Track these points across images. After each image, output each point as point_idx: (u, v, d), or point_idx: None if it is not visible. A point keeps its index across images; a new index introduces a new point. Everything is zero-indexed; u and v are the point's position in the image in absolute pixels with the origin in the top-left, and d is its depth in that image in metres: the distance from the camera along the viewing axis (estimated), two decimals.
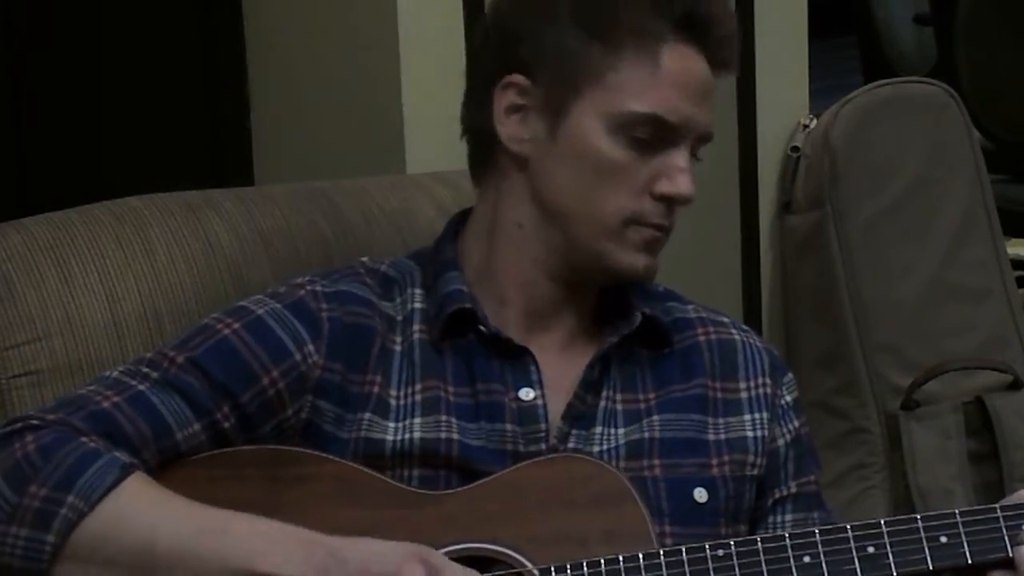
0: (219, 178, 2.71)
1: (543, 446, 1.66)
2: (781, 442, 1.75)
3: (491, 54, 1.72)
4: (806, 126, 2.95)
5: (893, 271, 2.94)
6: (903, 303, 2.94)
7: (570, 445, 1.68)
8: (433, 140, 2.50)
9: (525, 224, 1.71)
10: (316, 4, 2.63)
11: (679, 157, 1.67)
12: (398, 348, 1.69)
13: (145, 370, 1.64)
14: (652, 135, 1.66)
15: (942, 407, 2.93)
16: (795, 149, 2.95)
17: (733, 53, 1.72)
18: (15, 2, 2.79)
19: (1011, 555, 1.59)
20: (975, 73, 4.14)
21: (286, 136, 2.71)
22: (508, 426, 1.67)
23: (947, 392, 2.94)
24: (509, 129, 1.70)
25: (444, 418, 1.66)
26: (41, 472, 1.52)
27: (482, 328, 1.69)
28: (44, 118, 2.83)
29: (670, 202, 1.68)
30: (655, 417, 1.71)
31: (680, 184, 1.67)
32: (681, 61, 1.66)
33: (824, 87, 3.19)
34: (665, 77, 1.65)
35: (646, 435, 1.70)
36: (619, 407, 1.71)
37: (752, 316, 2.94)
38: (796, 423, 1.77)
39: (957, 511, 1.60)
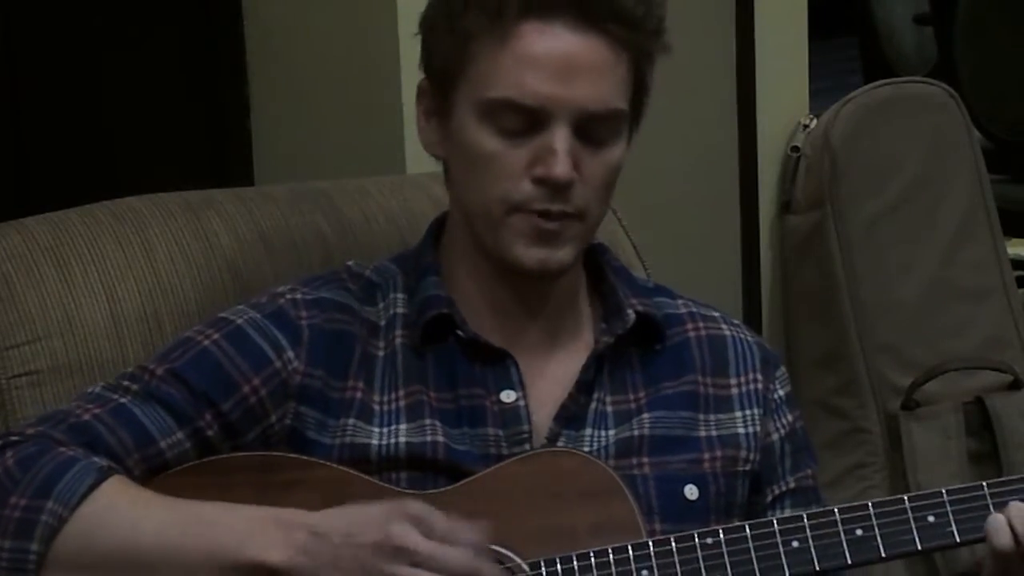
0: (219, 178, 2.71)
1: (527, 447, 1.66)
2: (776, 437, 1.75)
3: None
4: (806, 126, 2.95)
5: (893, 271, 2.94)
6: (903, 303, 2.94)
7: (559, 445, 1.68)
8: None
9: (464, 226, 1.70)
10: (316, 4, 2.63)
11: (552, 138, 1.61)
12: (381, 353, 1.69)
13: (126, 384, 1.65)
14: (519, 119, 1.62)
15: (942, 407, 2.93)
16: (795, 149, 2.95)
17: (624, 16, 1.61)
18: (15, 2, 2.79)
19: None
20: (975, 73, 4.14)
21: (286, 136, 2.71)
22: (490, 430, 1.66)
23: (947, 392, 2.94)
24: (424, 136, 1.71)
25: (429, 422, 1.66)
26: (20, 483, 1.53)
27: (460, 333, 1.68)
28: (44, 118, 2.83)
29: (548, 185, 1.62)
30: (645, 415, 1.70)
31: (551, 166, 1.61)
32: (532, 39, 1.60)
33: (824, 87, 3.19)
34: (515, 59, 1.61)
35: (635, 433, 1.69)
36: (609, 409, 1.71)
37: (752, 316, 2.94)
38: (790, 417, 1.77)
39: (944, 490, 1.60)
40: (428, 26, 1.68)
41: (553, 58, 1.60)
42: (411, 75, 2.47)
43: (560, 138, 1.61)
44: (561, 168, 1.61)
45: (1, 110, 2.81)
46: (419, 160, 2.45)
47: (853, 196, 2.91)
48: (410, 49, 2.47)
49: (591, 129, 1.63)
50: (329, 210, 2.01)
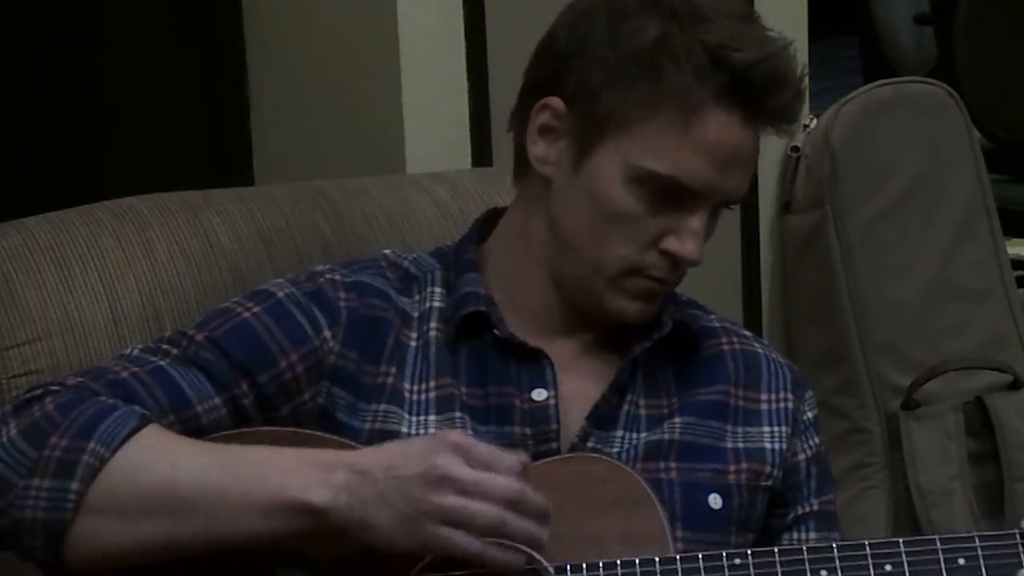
0: (219, 178, 2.71)
1: (554, 445, 1.66)
2: (802, 456, 1.75)
3: (540, 68, 1.71)
4: (806, 126, 2.95)
5: (893, 271, 2.94)
6: (903, 303, 2.94)
7: (589, 445, 1.68)
8: (433, 140, 2.50)
9: (544, 243, 1.71)
10: (316, 4, 2.63)
11: (694, 220, 1.65)
12: (413, 343, 1.69)
13: (165, 347, 1.65)
14: (669, 193, 1.64)
15: (942, 407, 2.93)
16: (795, 149, 2.94)
17: (790, 119, 1.67)
18: (15, 2, 2.79)
19: None
20: (975, 73, 4.14)
21: (286, 136, 2.71)
22: (517, 429, 1.66)
23: (947, 392, 2.94)
24: (539, 149, 1.69)
25: (459, 415, 1.66)
26: (60, 426, 1.52)
27: (496, 331, 1.69)
28: (44, 118, 2.83)
29: (674, 260, 1.66)
30: (676, 419, 1.71)
31: (688, 247, 1.65)
32: (716, 129, 1.62)
33: (824, 87, 3.19)
34: (693, 142, 1.62)
35: (665, 437, 1.70)
36: (642, 412, 1.71)
37: (752, 316, 2.94)
38: (816, 440, 1.78)
39: (976, 535, 1.59)
40: (593, 57, 1.65)
41: (724, 149, 1.63)
42: (411, 75, 2.49)
43: (701, 221, 1.65)
44: (695, 252, 1.65)
45: (1, 110, 2.81)
46: (419, 160, 2.47)
47: (853, 196, 2.91)
48: (410, 49, 2.49)
49: (716, 211, 1.69)
50: (329, 210, 2.01)
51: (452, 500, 1.46)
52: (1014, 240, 3.63)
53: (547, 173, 1.69)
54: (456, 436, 1.50)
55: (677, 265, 1.67)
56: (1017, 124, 4.11)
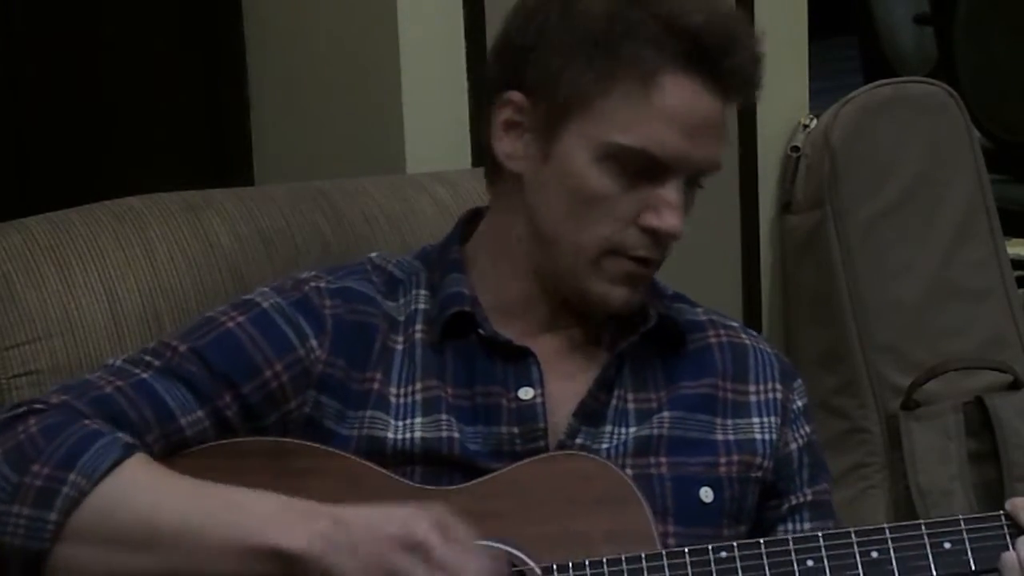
0: (219, 178, 2.71)
1: (542, 443, 1.66)
2: (794, 446, 1.76)
3: (497, 68, 1.71)
4: (806, 126, 2.95)
5: (893, 271, 2.94)
6: (903, 303, 2.94)
7: (578, 442, 1.68)
8: (433, 140, 2.50)
9: (523, 240, 1.71)
10: (316, 4, 2.63)
11: (669, 191, 1.64)
12: (399, 347, 1.69)
13: (148, 359, 1.65)
14: (641, 167, 1.63)
15: (942, 407, 2.93)
16: (795, 149, 2.95)
17: (749, 82, 1.66)
18: (15, 2, 2.79)
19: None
20: (975, 73, 4.14)
21: (286, 136, 2.71)
22: (504, 428, 1.66)
23: (947, 392, 2.94)
24: (505, 146, 1.69)
25: (445, 417, 1.66)
26: (43, 452, 1.52)
27: (481, 331, 1.69)
28: (44, 118, 2.83)
29: (655, 235, 1.66)
30: (665, 414, 1.71)
31: (666, 219, 1.64)
32: (678, 95, 1.62)
33: (824, 87, 3.19)
34: (657, 111, 1.62)
35: (655, 432, 1.70)
36: (631, 406, 1.71)
37: (752, 316, 2.94)
38: (807, 428, 1.78)
39: (961, 517, 1.59)
40: (549, 45, 1.65)
41: (688, 115, 1.63)
42: (411, 75, 2.49)
43: (676, 192, 1.64)
44: (674, 223, 1.64)
45: (1, 110, 2.81)
46: (419, 160, 2.47)
47: (853, 196, 2.91)
48: (410, 49, 2.49)
49: (694, 181, 1.68)
50: (329, 210, 2.01)
51: (420, 570, 1.46)
52: (1014, 240, 3.63)
53: (517, 168, 1.69)
54: (440, 511, 1.49)
55: (659, 240, 1.66)
56: (1017, 124, 4.11)
